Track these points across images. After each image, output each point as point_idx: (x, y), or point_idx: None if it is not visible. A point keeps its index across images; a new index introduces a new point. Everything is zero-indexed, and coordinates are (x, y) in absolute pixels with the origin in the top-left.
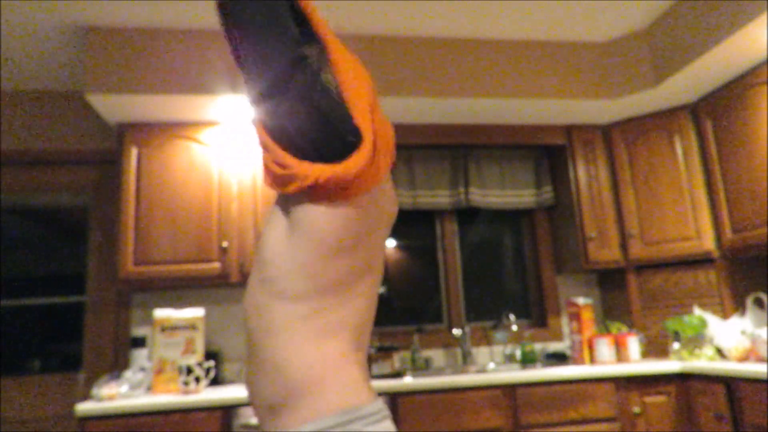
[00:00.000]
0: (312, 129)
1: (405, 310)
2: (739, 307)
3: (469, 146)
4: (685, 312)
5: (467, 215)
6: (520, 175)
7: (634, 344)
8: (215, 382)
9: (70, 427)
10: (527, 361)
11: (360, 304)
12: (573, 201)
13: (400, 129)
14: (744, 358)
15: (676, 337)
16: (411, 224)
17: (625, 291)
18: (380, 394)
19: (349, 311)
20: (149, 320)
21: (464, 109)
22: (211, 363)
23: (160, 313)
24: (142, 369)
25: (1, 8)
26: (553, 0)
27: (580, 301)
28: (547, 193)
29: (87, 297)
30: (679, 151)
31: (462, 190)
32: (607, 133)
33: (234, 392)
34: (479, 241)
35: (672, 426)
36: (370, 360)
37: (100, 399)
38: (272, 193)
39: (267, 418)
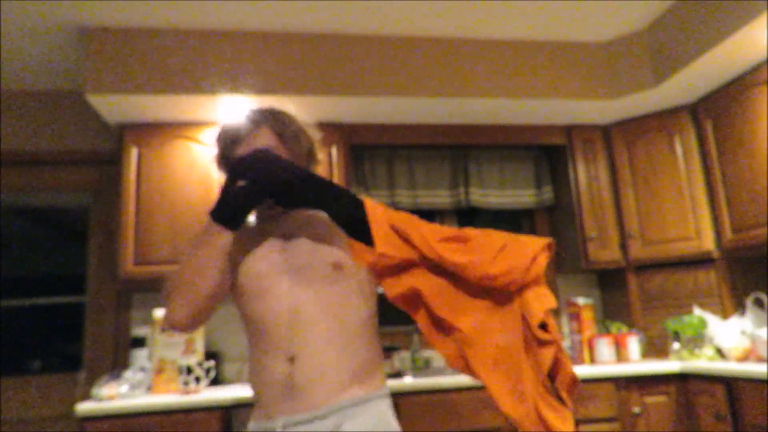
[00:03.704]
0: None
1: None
2: (739, 307)
3: (469, 146)
4: (685, 312)
5: (467, 215)
6: (520, 175)
7: (634, 344)
8: (215, 382)
9: (70, 427)
10: None
11: None
12: (573, 201)
13: (400, 129)
14: (744, 358)
15: (676, 337)
16: None
17: (625, 291)
18: None
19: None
20: (149, 320)
21: (464, 109)
22: (211, 363)
23: (160, 313)
24: (142, 369)
25: (1, 8)
26: (553, 0)
27: (580, 301)
28: (547, 193)
29: (87, 297)
30: (679, 151)
31: (462, 190)
32: (607, 133)
33: (234, 392)
34: None
35: (672, 426)
36: None
37: (100, 399)
38: None
39: (347, 384)
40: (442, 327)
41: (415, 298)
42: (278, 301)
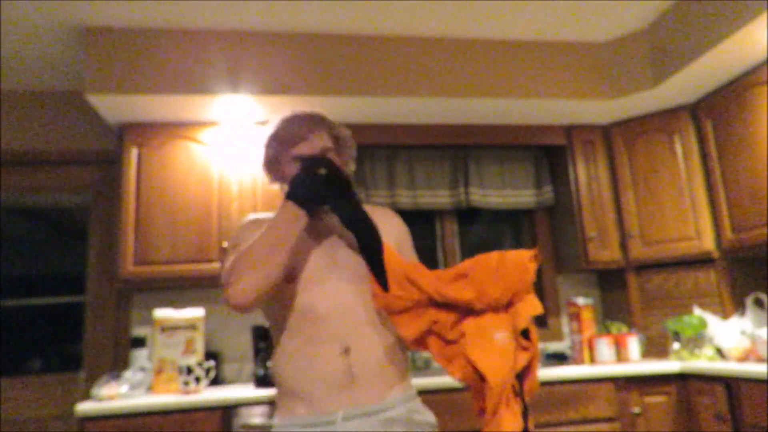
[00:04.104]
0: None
1: None
2: (739, 307)
3: (469, 146)
4: (685, 312)
5: (467, 215)
6: (520, 175)
7: (634, 344)
8: (215, 382)
9: (70, 427)
10: None
11: None
12: (573, 201)
13: (400, 129)
14: (744, 358)
15: (676, 337)
16: (411, 224)
17: (625, 291)
18: None
19: None
20: (149, 320)
21: (464, 109)
22: (211, 363)
23: (160, 313)
24: (142, 369)
25: (1, 8)
26: (553, 0)
27: (580, 301)
28: (547, 193)
29: (87, 297)
30: (679, 151)
31: (462, 190)
32: (607, 133)
33: (234, 392)
34: (479, 241)
35: (672, 426)
36: None
37: (100, 399)
38: (271, 192)
39: (396, 380)
40: (450, 344)
41: (425, 337)
42: (331, 291)
